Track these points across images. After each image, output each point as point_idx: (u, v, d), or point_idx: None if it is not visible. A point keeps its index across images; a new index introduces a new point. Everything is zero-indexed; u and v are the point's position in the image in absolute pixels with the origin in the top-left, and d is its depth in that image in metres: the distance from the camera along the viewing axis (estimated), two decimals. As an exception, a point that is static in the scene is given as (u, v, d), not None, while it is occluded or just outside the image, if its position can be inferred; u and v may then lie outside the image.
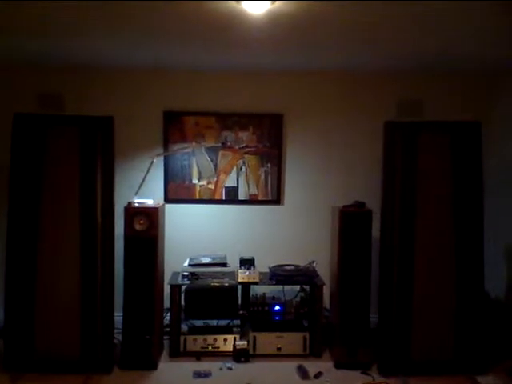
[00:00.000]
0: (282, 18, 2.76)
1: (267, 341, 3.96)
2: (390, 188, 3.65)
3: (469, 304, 3.66)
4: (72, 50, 3.74)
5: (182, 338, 3.94)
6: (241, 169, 4.51)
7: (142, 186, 3.95)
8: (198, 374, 3.65)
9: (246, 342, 3.91)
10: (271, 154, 4.50)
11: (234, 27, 2.98)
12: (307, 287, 4.14)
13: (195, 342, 3.95)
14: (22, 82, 4.34)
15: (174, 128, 4.45)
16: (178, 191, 4.50)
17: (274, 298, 4.20)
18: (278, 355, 3.94)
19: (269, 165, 4.51)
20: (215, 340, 3.97)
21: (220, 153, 4.49)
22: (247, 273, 3.99)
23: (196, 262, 4.13)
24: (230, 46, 3.54)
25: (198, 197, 4.51)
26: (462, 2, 2.48)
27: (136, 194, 3.89)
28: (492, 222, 3.96)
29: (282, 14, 2.70)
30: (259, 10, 2.60)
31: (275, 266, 4.16)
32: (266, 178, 4.52)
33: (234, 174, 4.50)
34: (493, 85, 4.44)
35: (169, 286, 3.94)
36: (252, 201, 4.53)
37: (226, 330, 4.09)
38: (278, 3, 2.51)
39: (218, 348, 3.96)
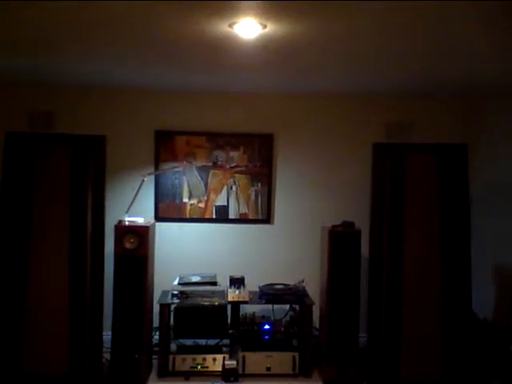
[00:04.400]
0: (272, 42, 2.82)
1: (256, 360, 3.94)
2: (378, 208, 3.70)
3: (457, 324, 3.69)
4: (63, 70, 3.76)
5: (170, 358, 3.92)
6: (231, 188, 4.54)
7: (133, 204, 3.96)
8: (187, 394, 3.64)
9: (235, 362, 3.90)
10: (261, 173, 4.54)
11: (226, 50, 3.03)
12: (297, 306, 4.15)
13: (184, 362, 3.93)
14: (13, 101, 4.35)
15: (166, 147, 4.48)
16: (168, 210, 4.51)
17: (263, 317, 4.19)
18: (268, 375, 3.92)
19: (259, 184, 4.55)
20: (204, 359, 3.94)
21: (211, 172, 4.52)
22: (237, 292, 3.98)
23: (186, 280, 4.13)
24: (222, 69, 3.60)
25: (188, 215, 4.52)
26: (449, 26, 2.55)
27: (127, 212, 3.90)
28: (479, 242, 4.01)
29: (273, 39, 2.76)
30: (251, 35, 2.66)
31: (265, 285, 4.16)
32: (256, 197, 4.55)
33: (224, 193, 4.53)
34: (480, 108, 4.53)
35: (158, 305, 3.94)
36: (242, 220, 4.55)
37: (216, 350, 4.06)
38: (269, 28, 2.57)
39: (207, 368, 3.94)
